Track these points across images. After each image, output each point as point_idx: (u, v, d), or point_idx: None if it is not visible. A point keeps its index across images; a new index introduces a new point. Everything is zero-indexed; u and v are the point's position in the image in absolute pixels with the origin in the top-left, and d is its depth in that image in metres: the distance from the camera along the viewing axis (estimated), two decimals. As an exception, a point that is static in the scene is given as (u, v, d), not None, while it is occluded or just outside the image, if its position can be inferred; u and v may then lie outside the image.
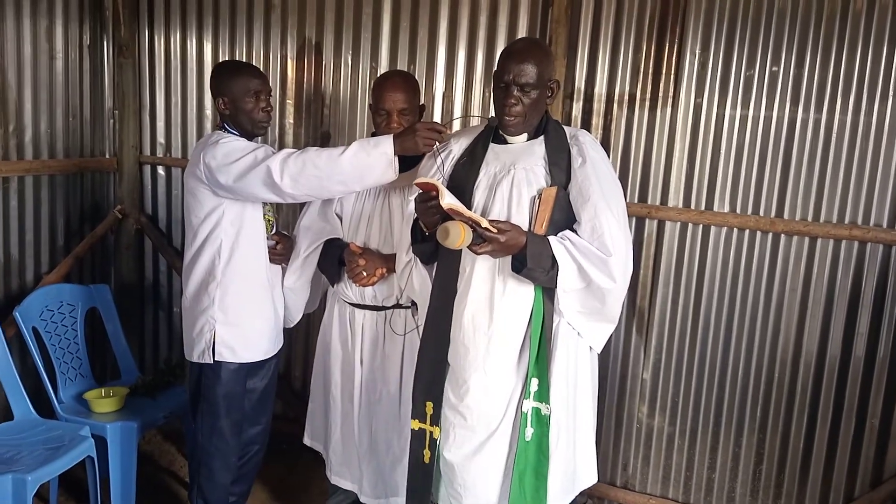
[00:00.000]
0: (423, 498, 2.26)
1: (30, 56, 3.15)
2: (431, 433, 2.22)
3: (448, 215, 1.95)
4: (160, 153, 3.65)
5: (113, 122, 3.63)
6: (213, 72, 2.50)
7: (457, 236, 1.88)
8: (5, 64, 3.03)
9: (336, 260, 2.55)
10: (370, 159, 2.18)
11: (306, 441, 2.87)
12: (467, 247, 1.95)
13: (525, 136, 2.15)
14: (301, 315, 2.76)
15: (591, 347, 2.21)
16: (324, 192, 2.31)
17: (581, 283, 2.01)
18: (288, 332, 2.85)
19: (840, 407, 2.85)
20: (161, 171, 3.67)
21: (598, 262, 2.00)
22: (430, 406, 2.21)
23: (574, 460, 2.18)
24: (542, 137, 2.15)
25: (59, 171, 3.33)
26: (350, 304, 2.60)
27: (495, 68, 2.11)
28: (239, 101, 2.39)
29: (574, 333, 2.13)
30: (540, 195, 2.07)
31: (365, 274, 2.45)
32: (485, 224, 1.90)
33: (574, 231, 2.06)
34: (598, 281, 2.00)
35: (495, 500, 2.12)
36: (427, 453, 2.23)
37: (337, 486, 2.76)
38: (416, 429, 2.25)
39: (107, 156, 3.64)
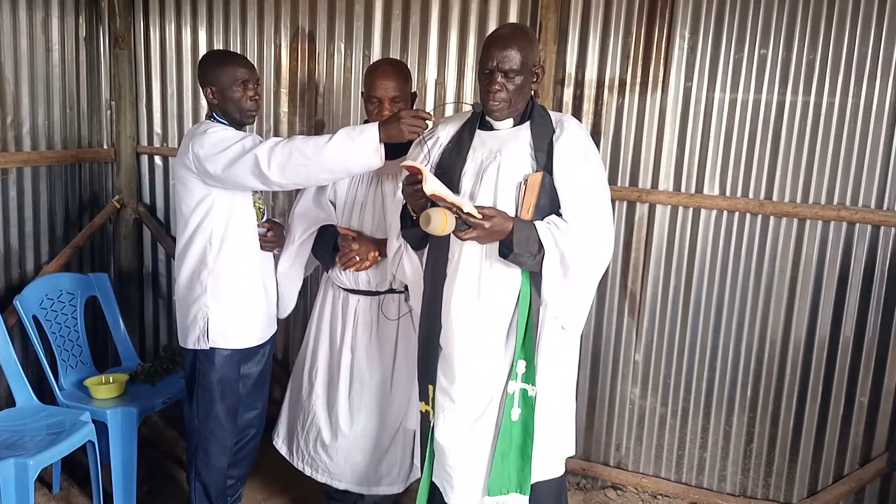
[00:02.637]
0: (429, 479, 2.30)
1: (26, 48, 3.18)
2: (431, 415, 2.26)
3: (434, 200, 1.98)
4: (157, 143, 3.69)
5: (110, 112, 3.66)
6: (200, 61, 2.51)
7: (438, 223, 1.90)
8: (2, 57, 3.07)
9: (331, 246, 2.58)
10: (355, 146, 2.20)
11: (276, 443, 2.84)
12: (453, 233, 1.98)
13: (511, 121, 2.17)
14: (294, 305, 2.78)
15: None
16: (311, 180, 2.33)
17: (562, 269, 2.05)
18: (287, 319, 2.88)
19: (829, 386, 2.88)
20: (158, 160, 3.70)
21: (578, 248, 2.04)
22: (431, 389, 2.26)
23: (556, 439, 2.22)
24: (527, 123, 2.16)
25: (58, 162, 3.37)
26: (344, 289, 2.64)
27: (480, 55, 2.13)
28: (227, 90, 2.40)
29: (560, 315, 2.16)
30: (526, 181, 2.09)
31: (358, 259, 2.48)
32: (467, 209, 1.93)
33: (559, 215, 2.08)
34: (575, 266, 2.04)
35: (483, 479, 2.16)
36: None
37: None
38: (424, 411, 2.30)
39: (104, 146, 3.68)
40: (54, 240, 3.40)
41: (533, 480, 2.14)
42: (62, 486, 3.08)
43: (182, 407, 3.34)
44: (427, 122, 2.18)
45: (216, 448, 2.57)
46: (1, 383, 3.09)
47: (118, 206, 3.67)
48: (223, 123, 2.45)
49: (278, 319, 2.74)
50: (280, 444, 2.83)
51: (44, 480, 3.03)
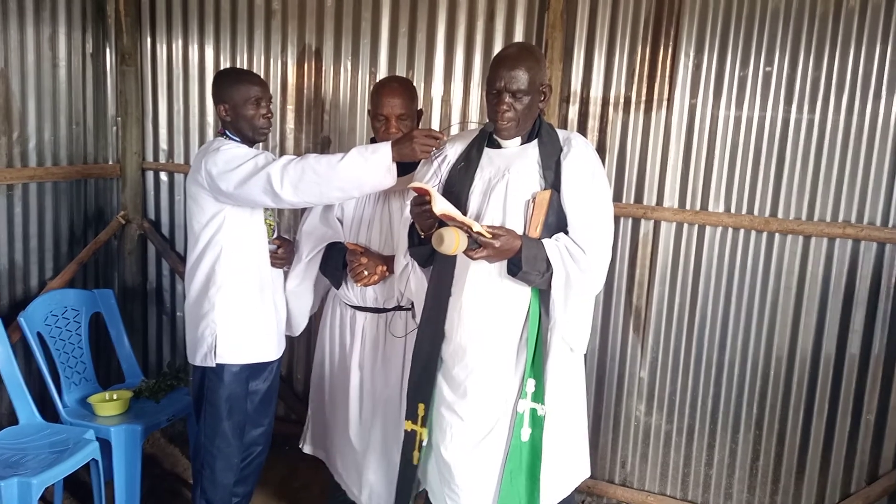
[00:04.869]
0: (409, 499, 2.30)
1: (33, 64, 3.19)
2: (420, 434, 2.25)
3: (443, 220, 1.98)
4: (163, 159, 3.69)
5: (116, 128, 3.67)
6: (214, 79, 2.53)
7: (451, 242, 1.91)
8: (9, 72, 3.07)
9: (340, 263, 2.58)
10: (368, 165, 2.21)
11: (304, 447, 2.88)
12: (463, 252, 1.98)
13: (518, 140, 2.18)
14: (305, 323, 2.78)
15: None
16: (323, 199, 2.34)
17: (569, 286, 2.06)
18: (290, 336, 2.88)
19: (836, 403, 2.88)
20: (164, 176, 3.71)
21: (585, 266, 2.05)
22: (421, 407, 2.25)
23: (568, 459, 2.21)
24: (535, 141, 2.17)
25: (63, 178, 3.37)
26: (351, 306, 2.64)
27: (488, 74, 2.14)
28: (240, 107, 2.42)
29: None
30: (534, 199, 2.10)
31: (366, 273, 2.49)
32: (477, 228, 1.93)
33: (566, 233, 2.09)
34: (579, 284, 2.05)
35: (492, 498, 2.14)
36: (416, 455, 2.26)
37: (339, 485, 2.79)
38: (409, 430, 2.28)
39: (110, 162, 3.68)
40: (59, 256, 3.40)
41: None
42: (64, 504, 3.05)
43: (185, 424, 3.33)
44: (439, 140, 2.19)
45: (223, 465, 2.55)
46: (4, 400, 3.07)
47: (123, 222, 3.67)
48: (235, 141, 2.46)
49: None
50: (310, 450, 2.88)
51: (45, 498, 3.00)
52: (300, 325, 2.75)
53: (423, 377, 2.25)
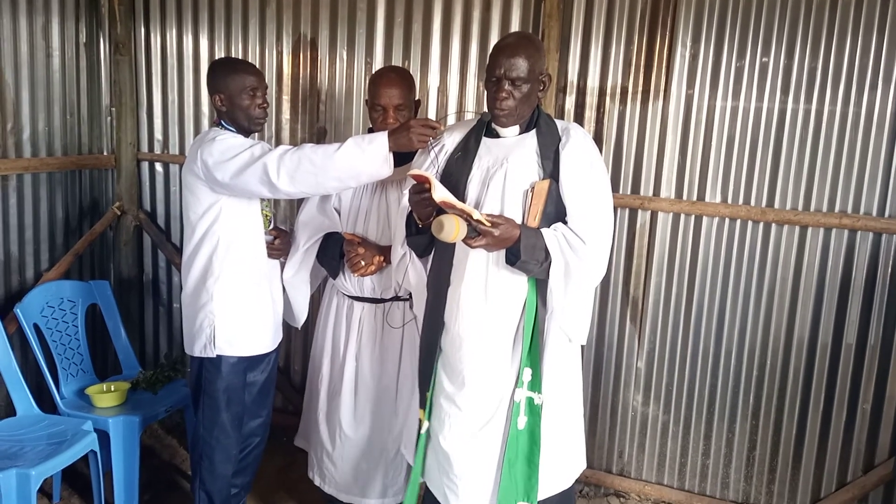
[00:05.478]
0: (414, 490, 2.32)
1: (27, 54, 3.17)
2: (422, 422, 2.26)
3: (442, 208, 1.98)
4: (158, 150, 3.68)
5: (110, 119, 3.65)
6: (209, 69, 2.51)
7: (451, 229, 1.91)
8: (2, 63, 3.05)
9: (337, 253, 2.58)
10: (365, 156, 2.20)
11: (295, 441, 2.88)
12: (462, 240, 1.98)
13: (517, 129, 2.17)
14: (306, 314, 2.76)
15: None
16: (319, 189, 2.33)
17: (567, 276, 2.06)
18: (287, 326, 2.88)
19: (832, 393, 2.89)
20: (159, 167, 3.69)
21: (583, 256, 2.05)
22: (428, 396, 2.26)
23: (565, 449, 2.22)
24: (533, 131, 2.17)
25: (58, 169, 3.36)
26: (349, 296, 2.63)
27: (487, 62, 2.13)
28: (235, 97, 2.40)
29: (565, 322, 2.17)
30: (532, 188, 2.09)
31: (363, 263, 2.48)
32: (477, 216, 1.93)
33: (565, 223, 2.09)
34: (578, 274, 2.05)
35: (490, 488, 2.15)
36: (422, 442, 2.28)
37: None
38: (421, 419, 2.30)
39: (105, 153, 3.67)
40: (54, 247, 3.39)
41: (543, 496, 2.14)
42: (62, 495, 3.05)
43: (182, 415, 3.34)
44: (435, 130, 2.19)
45: (221, 457, 2.55)
46: (1, 392, 3.06)
47: (119, 213, 3.66)
48: (231, 131, 2.45)
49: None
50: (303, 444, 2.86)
51: (43, 490, 2.99)
52: (301, 315, 2.74)
53: (427, 367, 2.26)
